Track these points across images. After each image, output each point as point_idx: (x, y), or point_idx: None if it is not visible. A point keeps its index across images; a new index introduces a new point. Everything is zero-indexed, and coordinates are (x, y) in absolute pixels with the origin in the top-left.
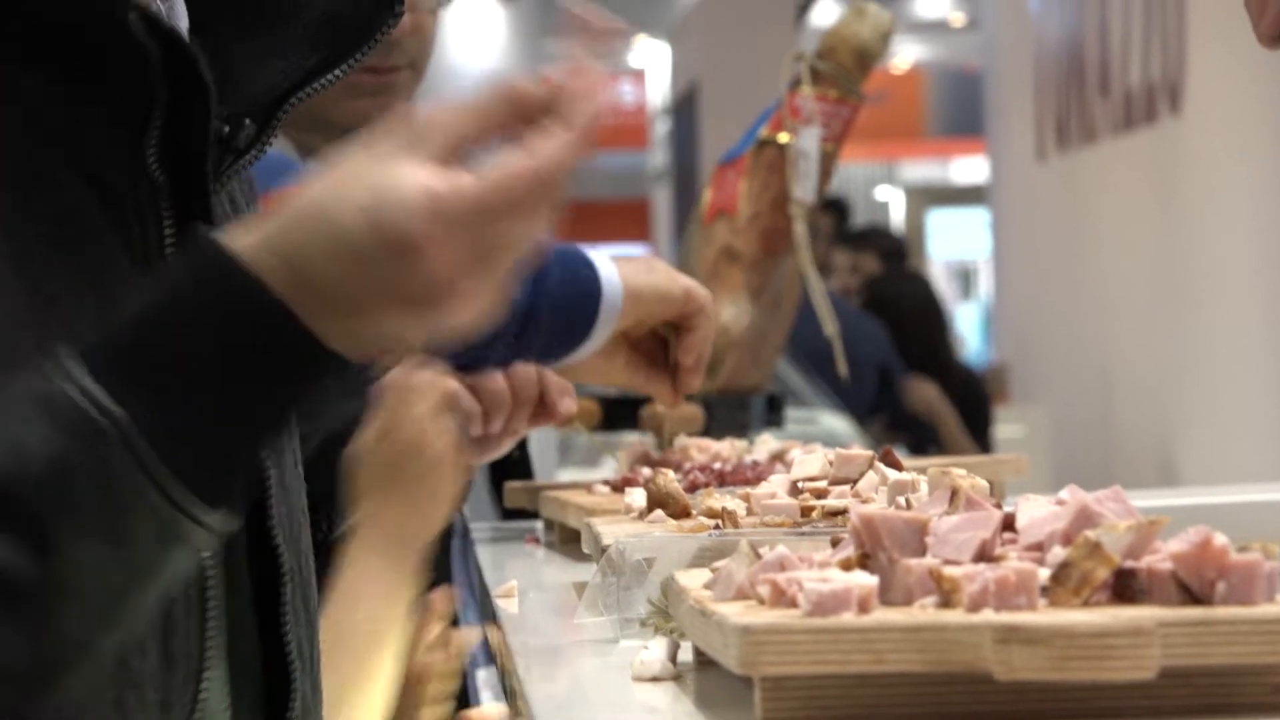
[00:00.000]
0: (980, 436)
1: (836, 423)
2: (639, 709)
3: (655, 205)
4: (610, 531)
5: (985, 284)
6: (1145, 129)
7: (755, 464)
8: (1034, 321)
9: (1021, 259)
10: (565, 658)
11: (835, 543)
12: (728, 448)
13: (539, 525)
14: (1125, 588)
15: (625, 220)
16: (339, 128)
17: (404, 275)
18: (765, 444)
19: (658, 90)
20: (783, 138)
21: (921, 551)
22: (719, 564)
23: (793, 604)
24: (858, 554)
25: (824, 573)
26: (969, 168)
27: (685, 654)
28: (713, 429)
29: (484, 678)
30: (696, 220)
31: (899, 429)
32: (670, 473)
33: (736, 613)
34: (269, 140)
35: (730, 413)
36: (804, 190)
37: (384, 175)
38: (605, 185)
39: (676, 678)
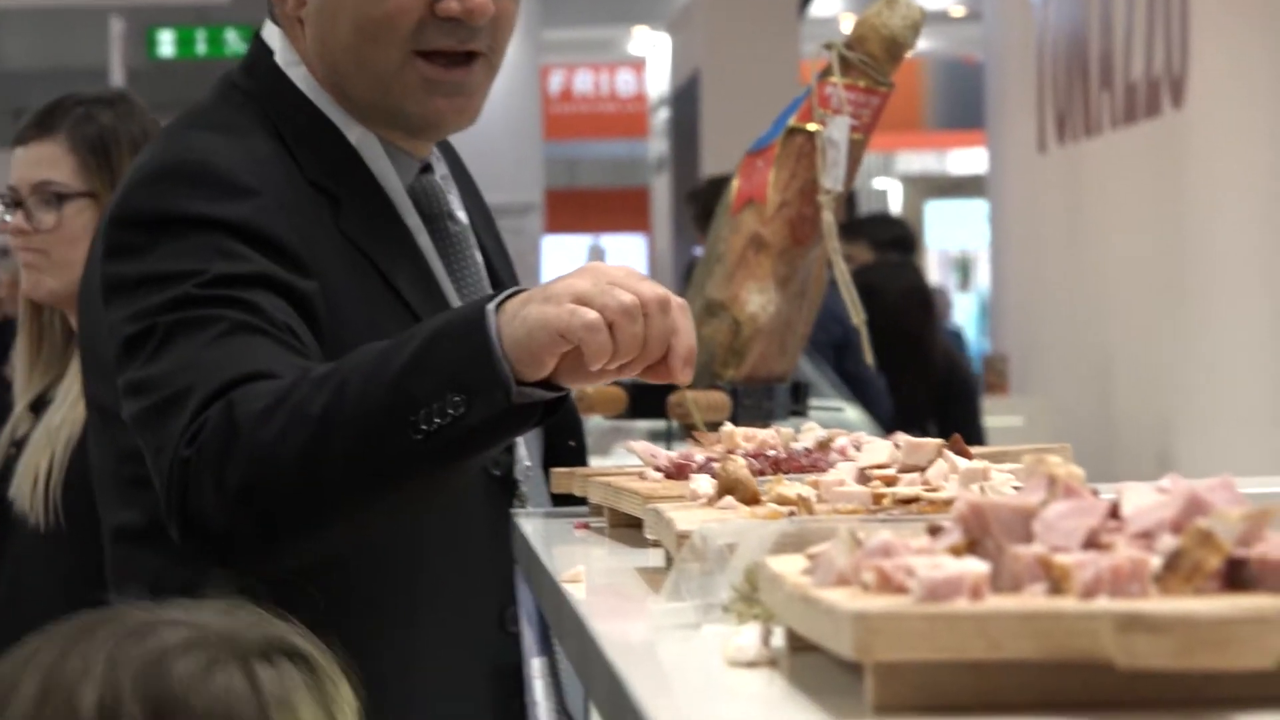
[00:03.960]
0: (964, 428)
1: (852, 412)
2: (742, 695)
3: (654, 194)
4: (683, 518)
5: (983, 275)
6: (1147, 121)
7: (807, 451)
8: (1033, 313)
9: (1021, 250)
10: (651, 644)
11: (933, 530)
12: (774, 435)
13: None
14: (1236, 576)
15: (623, 209)
16: (415, 125)
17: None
18: (811, 431)
19: (657, 80)
20: (812, 127)
21: (1028, 539)
22: (815, 549)
23: (900, 590)
24: (965, 541)
25: (935, 559)
26: (967, 159)
27: (774, 639)
28: (739, 417)
29: (538, 667)
30: (724, 208)
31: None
32: (740, 459)
33: (845, 599)
34: None
35: (756, 401)
36: (832, 179)
37: None
38: (604, 174)
39: (772, 663)
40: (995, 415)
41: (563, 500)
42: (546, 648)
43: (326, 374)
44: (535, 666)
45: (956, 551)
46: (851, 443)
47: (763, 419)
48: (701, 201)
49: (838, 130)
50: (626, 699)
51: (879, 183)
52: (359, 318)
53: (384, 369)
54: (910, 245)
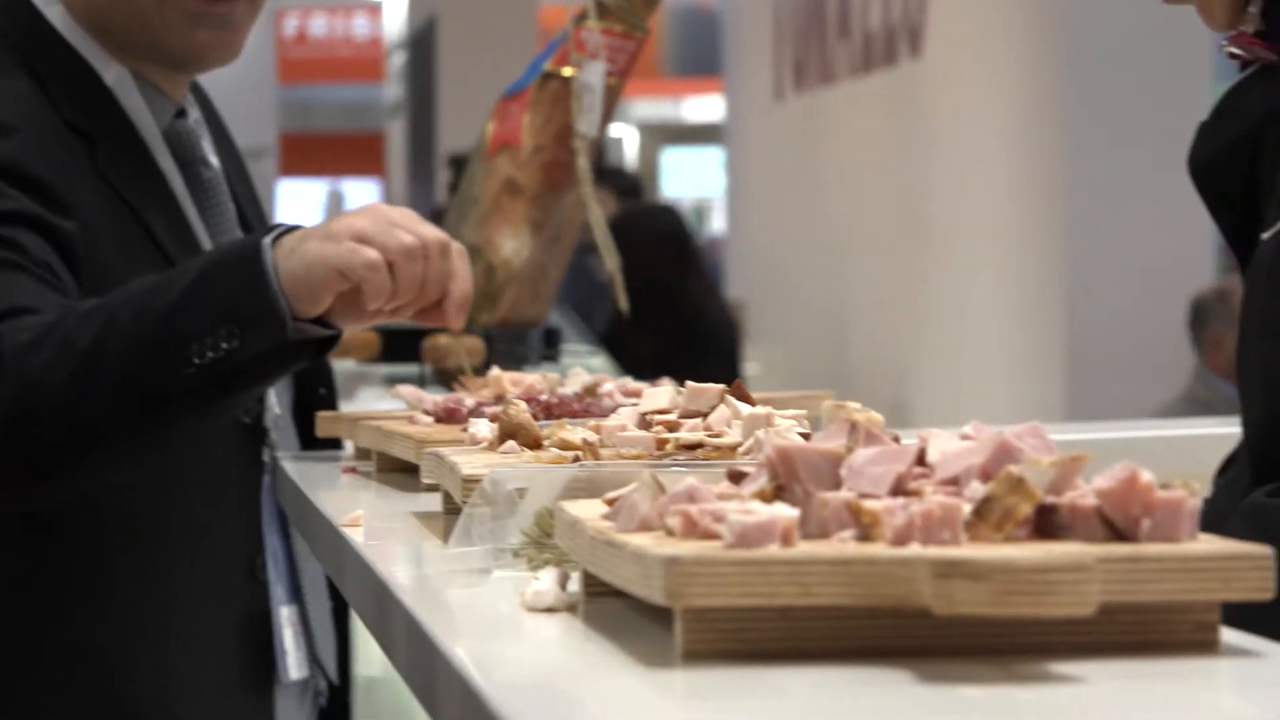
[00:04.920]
0: (722, 377)
1: (599, 359)
2: (547, 640)
3: (389, 139)
4: (467, 462)
5: (719, 223)
6: (884, 71)
7: (579, 396)
8: (770, 261)
9: (757, 199)
10: (444, 589)
11: (733, 476)
12: (540, 380)
13: (343, 453)
14: (1046, 523)
15: (358, 153)
16: (177, 59)
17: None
18: (578, 377)
19: (394, 23)
20: (567, 71)
21: (836, 485)
22: (613, 495)
23: (705, 536)
24: (772, 486)
25: (745, 505)
26: (703, 106)
27: (571, 584)
28: (492, 361)
29: (286, 615)
30: (479, 152)
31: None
32: (521, 404)
33: (653, 544)
34: None
35: (509, 345)
36: (587, 124)
37: None
38: (338, 118)
39: (571, 608)
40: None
41: (311, 446)
42: (295, 595)
43: (95, 308)
44: (284, 615)
45: (764, 497)
46: (617, 388)
47: (516, 364)
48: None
49: (593, 75)
50: (429, 644)
51: (614, 129)
52: (114, 260)
53: (155, 302)
54: (639, 193)
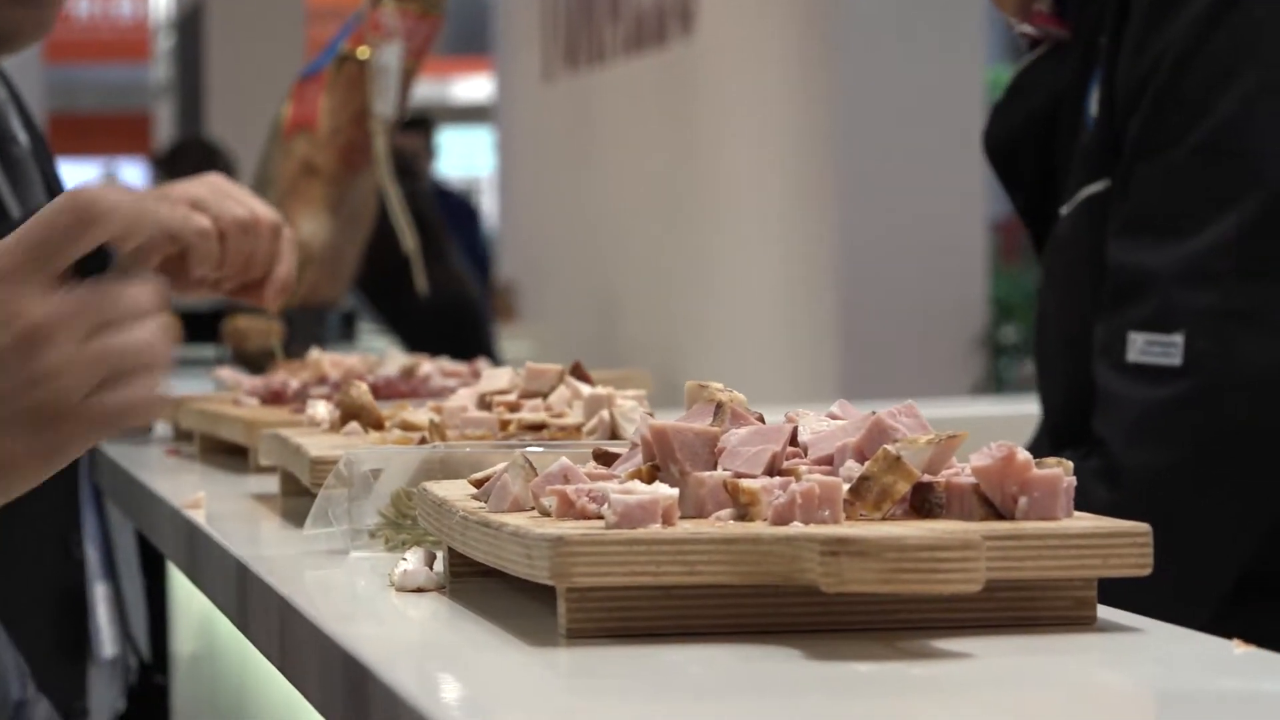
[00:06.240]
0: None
1: (386, 340)
2: (423, 620)
3: (157, 120)
4: (313, 444)
5: (488, 203)
6: (656, 50)
7: (403, 377)
8: (541, 241)
9: (528, 179)
10: (305, 570)
11: (599, 456)
12: (360, 362)
13: (156, 435)
14: (923, 502)
15: (124, 134)
16: None
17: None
18: (395, 359)
19: (161, 2)
20: (363, 53)
21: (712, 465)
22: (480, 475)
23: (582, 515)
24: (648, 466)
25: (626, 484)
26: (472, 86)
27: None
28: (291, 343)
29: (101, 592)
30: (275, 134)
31: None
32: (363, 385)
33: (534, 524)
34: None
35: (308, 327)
36: (384, 105)
37: None
38: (103, 98)
39: (439, 588)
40: (504, 340)
41: None
42: (110, 572)
43: None
44: (99, 592)
45: (641, 477)
46: (436, 370)
47: (315, 344)
48: (167, 168)
49: (389, 56)
50: (304, 625)
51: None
52: None
53: None
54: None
